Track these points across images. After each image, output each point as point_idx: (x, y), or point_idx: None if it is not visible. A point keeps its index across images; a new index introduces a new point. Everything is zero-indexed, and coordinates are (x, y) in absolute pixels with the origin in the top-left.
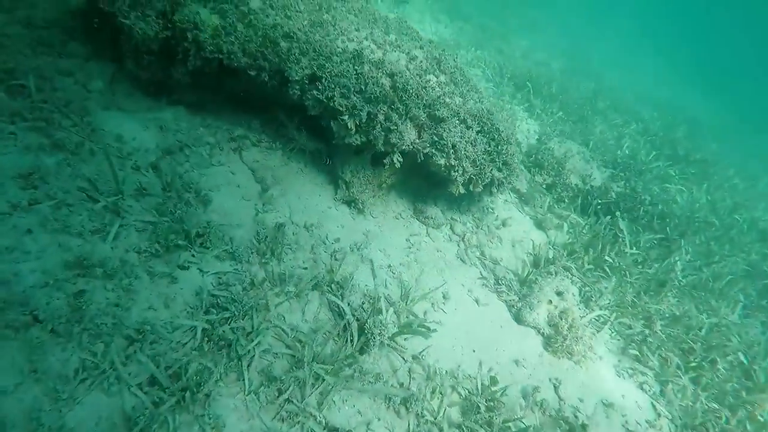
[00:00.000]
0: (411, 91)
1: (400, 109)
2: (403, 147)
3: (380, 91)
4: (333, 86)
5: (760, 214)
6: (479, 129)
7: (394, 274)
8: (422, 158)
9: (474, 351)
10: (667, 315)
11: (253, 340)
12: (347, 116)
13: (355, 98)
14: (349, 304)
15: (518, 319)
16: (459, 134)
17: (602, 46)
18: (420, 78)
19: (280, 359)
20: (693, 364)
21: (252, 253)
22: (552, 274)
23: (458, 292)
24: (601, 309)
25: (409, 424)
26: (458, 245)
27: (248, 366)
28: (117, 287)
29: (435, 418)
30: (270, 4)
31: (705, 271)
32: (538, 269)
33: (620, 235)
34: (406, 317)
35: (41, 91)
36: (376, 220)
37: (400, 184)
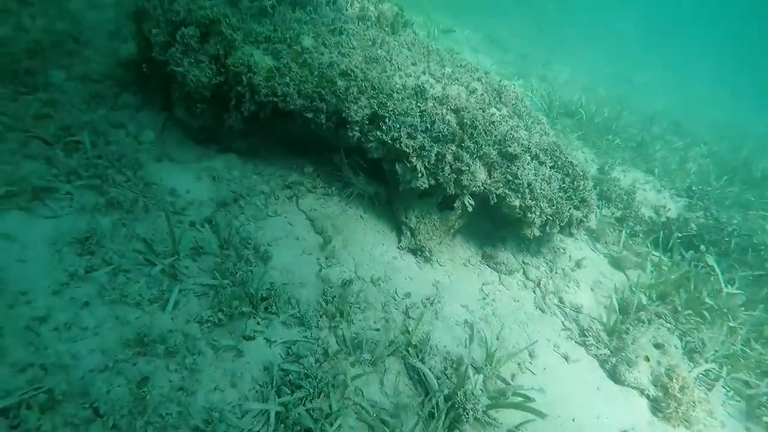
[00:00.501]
0: (479, 127)
1: (471, 148)
2: (474, 188)
3: (448, 129)
4: (398, 126)
5: None
6: (552, 164)
7: (474, 331)
8: (495, 200)
9: (573, 420)
10: None
11: (332, 424)
12: (415, 158)
13: (422, 138)
14: (430, 369)
15: (615, 377)
16: (533, 171)
17: (647, 69)
18: (484, 112)
19: None
20: None
21: (320, 316)
22: (644, 322)
23: (544, 348)
24: (707, 362)
25: None
26: (534, 292)
27: None
28: (180, 367)
29: None
30: (322, 42)
31: None
32: (627, 317)
33: (711, 273)
34: (495, 383)
35: (95, 147)
36: (444, 269)
37: (465, 227)
